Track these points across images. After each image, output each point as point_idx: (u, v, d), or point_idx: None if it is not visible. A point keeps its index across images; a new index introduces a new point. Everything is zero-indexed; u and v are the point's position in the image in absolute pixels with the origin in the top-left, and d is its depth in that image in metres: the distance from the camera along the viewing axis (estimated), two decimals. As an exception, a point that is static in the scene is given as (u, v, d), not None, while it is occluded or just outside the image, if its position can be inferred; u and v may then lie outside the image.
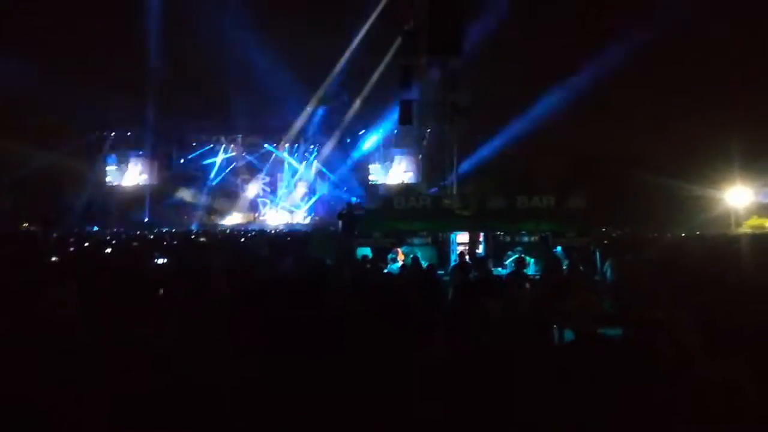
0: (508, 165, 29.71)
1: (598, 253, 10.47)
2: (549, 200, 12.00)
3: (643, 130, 31.00)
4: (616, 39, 29.57)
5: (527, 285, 7.16)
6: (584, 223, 11.62)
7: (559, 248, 11.11)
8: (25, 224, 26.89)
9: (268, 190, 38.66)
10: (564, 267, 9.12)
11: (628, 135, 30.83)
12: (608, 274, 8.91)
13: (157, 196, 35.81)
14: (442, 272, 9.98)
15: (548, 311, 5.39)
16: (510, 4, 27.93)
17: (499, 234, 12.11)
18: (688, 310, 4.26)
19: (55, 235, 16.70)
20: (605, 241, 13.96)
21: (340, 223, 13.95)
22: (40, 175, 29.96)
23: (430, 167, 19.73)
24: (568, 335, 4.58)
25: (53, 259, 9.47)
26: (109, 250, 12.06)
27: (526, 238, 11.99)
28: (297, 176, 38.18)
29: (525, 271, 8.73)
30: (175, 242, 14.94)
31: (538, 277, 9.17)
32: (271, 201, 38.16)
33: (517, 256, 9.95)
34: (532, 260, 10.57)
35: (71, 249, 12.10)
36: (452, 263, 10.99)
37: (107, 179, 36.66)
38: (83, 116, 32.30)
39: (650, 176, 26.89)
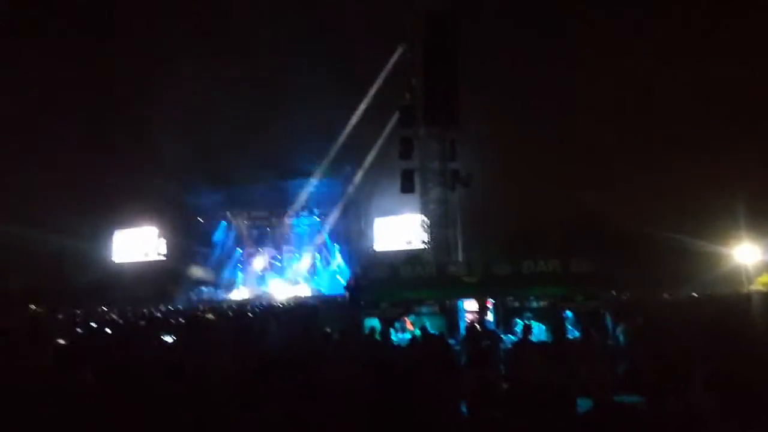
0: (512, 229, 29.79)
1: (609, 317, 10.32)
2: (554, 264, 11.94)
3: (646, 188, 31.13)
4: (614, 98, 30.30)
5: (534, 353, 7.02)
6: (592, 287, 11.51)
7: (569, 313, 10.96)
8: (32, 306, 26.79)
9: (277, 263, 38.70)
10: (576, 332, 8.98)
11: (632, 194, 30.96)
12: (621, 338, 8.76)
13: (163, 273, 35.82)
14: (453, 341, 9.83)
15: (559, 380, 5.27)
16: (507, 71, 28.91)
17: (508, 300, 11.99)
18: (703, 373, 4.17)
19: (60, 316, 16.59)
20: (616, 305, 13.76)
21: (347, 294, 13.86)
22: (48, 255, 30.14)
23: (434, 234, 19.72)
24: (583, 404, 4.46)
25: (60, 341, 9.38)
26: (113, 331, 11.95)
27: (535, 303, 11.86)
28: (303, 248, 38.30)
29: (534, 337, 8.58)
30: (182, 320, 14.79)
31: (549, 343, 9.01)
32: (278, 274, 38.11)
33: (524, 323, 9.82)
34: (543, 326, 10.41)
35: (78, 330, 12.00)
36: (461, 331, 10.83)
37: (113, 257, 36.83)
38: (89, 195, 32.84)
39: (656, 234, 26.76)
